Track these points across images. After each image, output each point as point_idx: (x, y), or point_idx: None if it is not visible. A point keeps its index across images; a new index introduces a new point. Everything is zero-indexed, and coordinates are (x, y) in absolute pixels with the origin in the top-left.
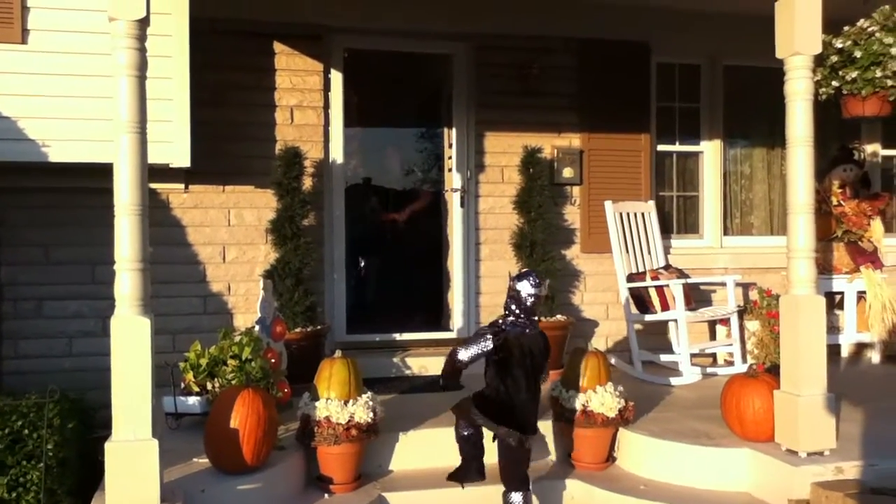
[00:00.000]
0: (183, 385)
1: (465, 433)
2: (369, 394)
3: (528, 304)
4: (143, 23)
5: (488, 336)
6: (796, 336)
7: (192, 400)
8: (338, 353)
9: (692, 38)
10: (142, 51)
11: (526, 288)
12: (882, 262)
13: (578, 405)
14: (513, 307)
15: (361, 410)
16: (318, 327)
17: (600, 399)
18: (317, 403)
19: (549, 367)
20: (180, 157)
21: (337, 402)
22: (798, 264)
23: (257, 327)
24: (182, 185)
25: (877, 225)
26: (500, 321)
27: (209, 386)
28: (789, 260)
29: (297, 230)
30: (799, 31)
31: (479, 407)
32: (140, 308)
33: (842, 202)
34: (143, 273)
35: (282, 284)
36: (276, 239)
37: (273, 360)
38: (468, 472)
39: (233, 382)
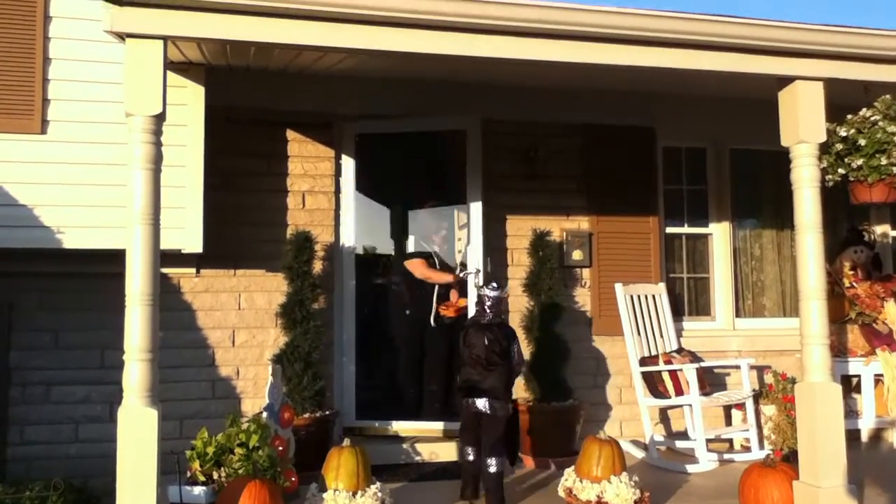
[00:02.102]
0: (189, 474)
1: (468, 458)
2: (378, 484)
3: (487, 303)
4: (159, 118)
5: (461, 335)
6: (813, 425)
7: (198, 490)
8: (346, 442)
9: (697, 123)
10: (157, 144)
11: (486, 291)
12: None
13: (593, 496)
14: (477, 308)
15: (370, 502)
16: (327, 412)
17: (615, 490)
18: (324, 495)
19: (517, 364)
20: (192, 242)
21: (345, 494)
22: (812, 351)
23: (265, 413)
24: (194, 270)
25: (891, 307)
26: (468, 323)
27: (216, 475)
28: (803, 346)
29: (306, 314)
30: (803, 121)
31: (460, 390)
32: (148, 399)
33: (854, 284)
34: (151, 364)
35: (291, 369)
36: (286, 323)
37: (281, 448)
38: (463, 491)
39: (240, 472)
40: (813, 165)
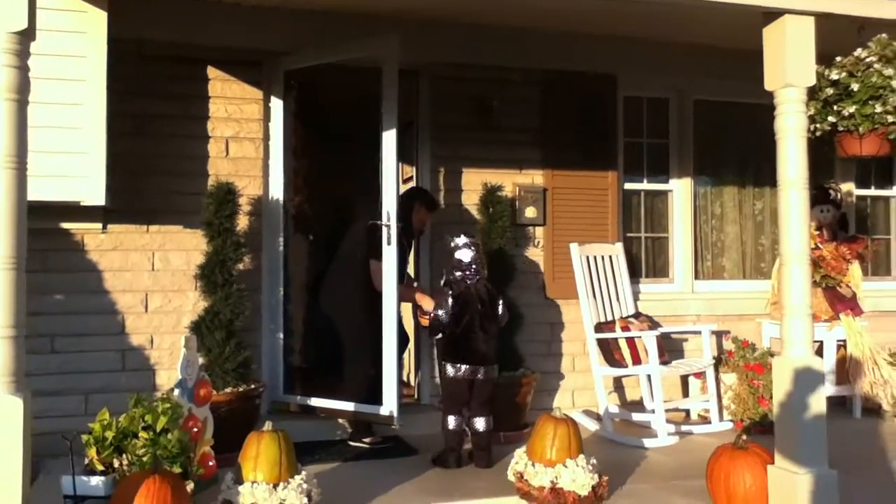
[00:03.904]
0: (86, 461)
1: (450, 427)
2: (303, 474)
3: (468, 259)
4: (26, 36)
5: (448, 291)
6: (792, 405)
7: (96, 480)
8: (267, 426)
9: (661, 71)
10: (23, 69)
11: (458, 241)
12: (861, 308)
13: (546, 482)
14: (455, 263)
15: (294, 496)
16: (252, 387)
17: (571, 475)
18: (240, 488)
19: (502, 317)
20: (93, 194)
21: (264, 486)
22: (793, 323)
23: (177, 391)
24: (99, 225)
25: (855, 269)
26: (451, 278)
27: (116, 463)
28: (783, 316)
29: (228, 276)
30: (791, 61)
31: (442, 351)
32: (12, 385)
33: (819, 245)
34: (16, 341)
35: (211, 338)
36: (206, 286)
37: (196, 430)
38: (447, 459)
39: (144, 459)
40: (800, 112)
